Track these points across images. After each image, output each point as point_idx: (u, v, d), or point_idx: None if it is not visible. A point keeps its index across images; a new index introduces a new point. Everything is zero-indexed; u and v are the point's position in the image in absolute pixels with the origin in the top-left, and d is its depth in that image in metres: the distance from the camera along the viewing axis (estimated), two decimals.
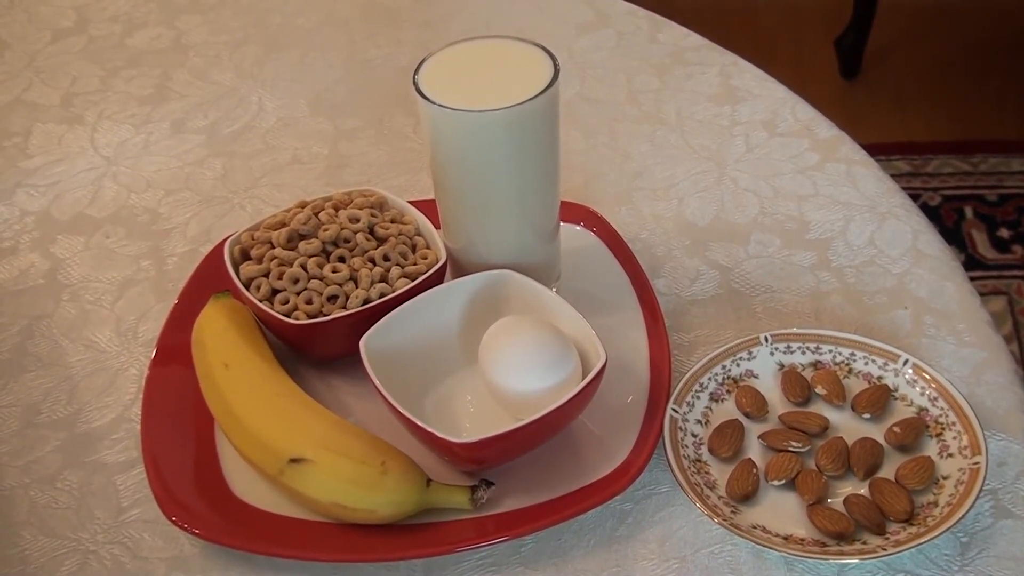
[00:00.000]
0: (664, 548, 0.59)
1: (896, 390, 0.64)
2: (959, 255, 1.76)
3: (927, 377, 0.63)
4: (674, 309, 0.72)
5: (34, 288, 0.78)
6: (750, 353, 0.66)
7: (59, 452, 0.67)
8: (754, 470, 0.60)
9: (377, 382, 0.60)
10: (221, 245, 0.72)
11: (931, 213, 1.83)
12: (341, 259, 0.67)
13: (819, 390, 0.64)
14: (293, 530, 0.60)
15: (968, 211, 1.84)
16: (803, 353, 0.66)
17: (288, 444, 0.60)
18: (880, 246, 0.75)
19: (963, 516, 0.56)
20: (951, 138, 1.99)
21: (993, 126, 2.01)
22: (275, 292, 0.66)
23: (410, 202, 0.71)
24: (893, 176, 0.82)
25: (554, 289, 0.71)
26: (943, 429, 0.61)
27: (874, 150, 0.86)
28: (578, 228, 0.75)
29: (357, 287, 0.65)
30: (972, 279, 0.73)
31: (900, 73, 2.16)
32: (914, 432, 0.61)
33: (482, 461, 0.61)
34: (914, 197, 1.82)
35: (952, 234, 1.80)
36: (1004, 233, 1.80)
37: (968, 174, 1.91)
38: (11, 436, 0.68)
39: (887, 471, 0.60)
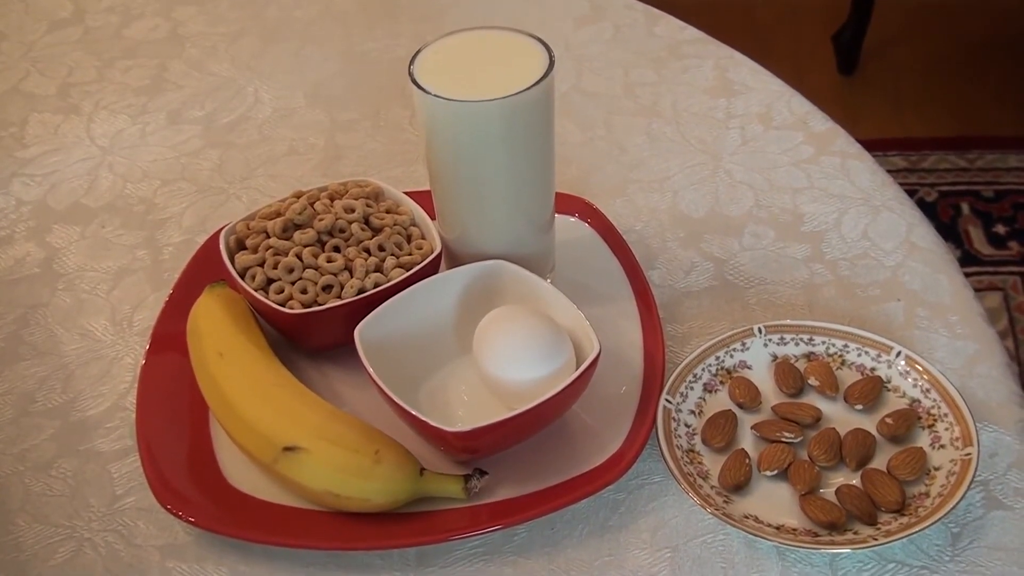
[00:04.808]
0: (656, 538, 0.59)
1: (889, 381, 0.64)
2: (955, 251, 1.76)
3: (920, 369, 0.63)
4: (668, 300, 0.72)
5: (30, 277, 0.79)
6: (744, 344, 0.66)
7: (54, 440, 0.67)
8: (747, 460, 0.61)
9: (371, 371, 0.60)
10: (217, 235, 0.72)
11: (927, 209, 1.83)
12: (336, 249, 0.67)
13: (812, 381, 0.64)
14: (287, 518, 0.60)
15: (964, 207, 1.84)
16: (796, 344, 0.66)
17: (282, 433, 0.60)
18: (874, 239, 0.75)
19: (954, 507, 0.56)
20: (948, 134, 1.99)
21: (990, 122, 2.01)
22: (270, 281, 0.66)
23: (406, 193, 0.71)
24: (890, 172, 0.82)
25: (548, 280, 0.71)
26: (935, 420, 0.62)
27: (871, 145, 0.86)
28: (573, 219, 0.76)
29: (352, 277, 0.65)
30: (968, 275, 0.73)
31: (898, 69, 2.16)
32: (906, 423, 0.61)
33: (475, 450, 0.61)
34: (911, 193, 1.82)
35: (948, 230, 1.80)
36: (1000, 229, 1.80)
37: (965, 170, 1.91)
38: (6, 424, 0.68)
39: (879, 462, 0.60)
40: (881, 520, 0.58)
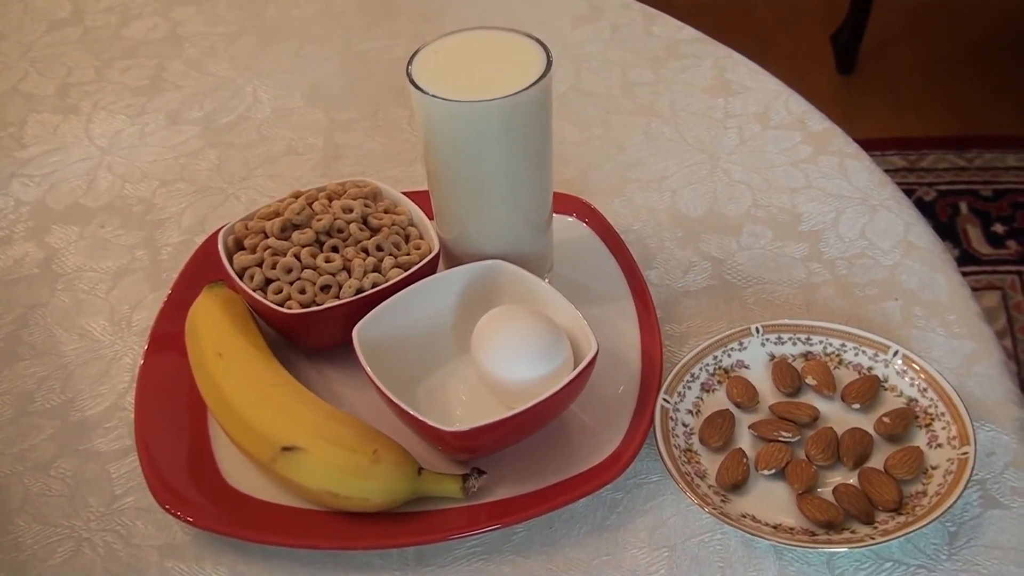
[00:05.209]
0: (654, 537, 0.59)
1: (886, 381, 0.64)
2: (953, 250, 1.76)
3: (917, 368, 0.63)
4: (666, 300, 0.72)
5: (29, 277, 0.79)
6: (741, 344, 0.66)
7: (53, 440, 0.67)
8: (744, 460, 0.61)
9: (370, 371, 0.60)
10: (215, 235, 0.72)
11: (926, 208, 1.83)
12: (334, 249, 0.67)
13: (809, 381, 0.64)
14: (285, 518, 0.60)
15: (963, 206, 1.84)
16: (794, 344, 0.66)
17: (281, 432, 0.60)
18: (871, 238, 0.75)
19: (951, 506, 0.56)
20: (946, 133, 1.99)
21: (989, 122, 2.01)
22: (268, 282, 0.66)
23: (404, 193, 0.71)
24: (888, 171, 0.82)
25: (547, 280, 0.71)
26: (932, 419, 0.62)
27: (870, 145, 0.86)
28: (571, 219, 0.76)
29: (350, 277, 0.66)
30: (966, 274, 0.73)
31: (896, 68, 2.16)
32: (903, 422, 0.61)
33: (474, 450, 0.61)
34: (909, 192, 1.82)
35: (947, 229, 1.80)
36: (998, 228, 1.80)
37: (963, 169, 1.91)
38: (5, 424, 0.68)
39: (876, 461, 0.61)
40: (878, 519, 0.58)
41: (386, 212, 0.70)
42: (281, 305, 0.65)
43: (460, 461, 0.62)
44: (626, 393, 0.65)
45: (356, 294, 0.65)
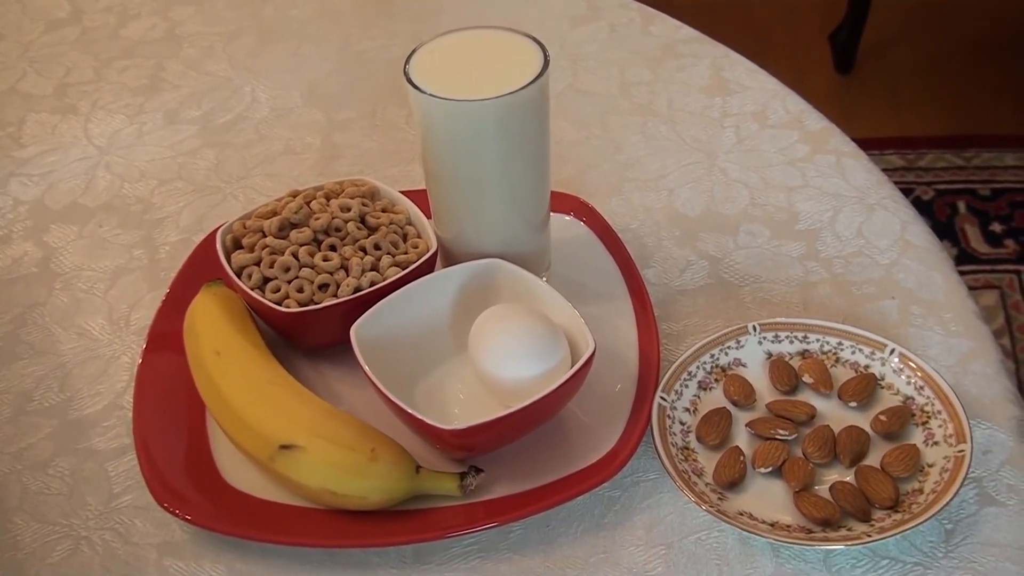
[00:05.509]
0: (651, 535, 0.59)
1: (883, 379, 0.64)
2: (952, 249, 1.76)
3: (913, 366, 0.64)
4: (663, 299, 0.72)
5: (27, 276, 0.79)
6: (738, 342, 0.66)
7: (51, 439, 0.67)
8: (741, 458, 0.61)
9: (367, 370, 0.60)
10: (213, 234, 0.72)
11: (924, 207, 1.83)
12: (332, 248, 0.67)
13: (806, 379, 0.65)
14: (283, 516, 0.60)
15: (961, 205, 1.84)
16: (791, 342, 0.66)
17: (279, 431, 0.60)
18: (868, 237, 0.75)
19: (948, 503, 0.56)
20: (945, 133, 1.99)
21: (988, 121, 2.01)
22: (266, 280, 0.66)
23: (402, 192, 0.72)
24: (886, 170, 0.82)
25: (544, 278, 0.71)
26: (929, 418, 0.62)
27: (868, 144, 0.87)
28: (568, 218, 0.76)
29: (348, 275, 0.66)
30: (964, 273, 0.73)
31: (895, 68, 2.16)
32: (900, 420, 0.62)
33: (471, 448, 0.61)
34: (907, 191, 1.82)
35: (945, 228, 1.80)
36: (997, 227, 1.80)
37: (961, 168, 1.91)
38: (4, 423, 0.68)
39: (873, 459, 0.61)
40: (875, 516, 0.58)
41: (384, 211, 0.70)
42: (279, 304, 0.65)
43: (458, 459, 0.62)
44: (623, 391, 0.65)
45: (354, 293, 0.65)
